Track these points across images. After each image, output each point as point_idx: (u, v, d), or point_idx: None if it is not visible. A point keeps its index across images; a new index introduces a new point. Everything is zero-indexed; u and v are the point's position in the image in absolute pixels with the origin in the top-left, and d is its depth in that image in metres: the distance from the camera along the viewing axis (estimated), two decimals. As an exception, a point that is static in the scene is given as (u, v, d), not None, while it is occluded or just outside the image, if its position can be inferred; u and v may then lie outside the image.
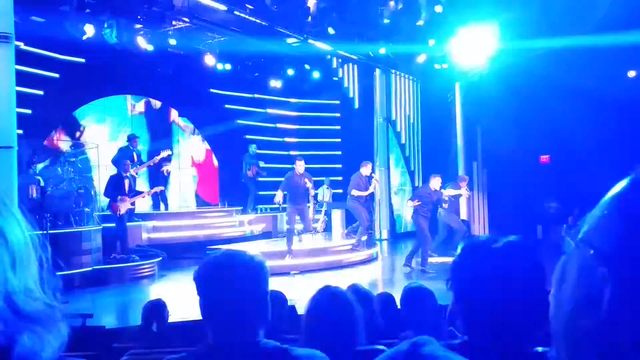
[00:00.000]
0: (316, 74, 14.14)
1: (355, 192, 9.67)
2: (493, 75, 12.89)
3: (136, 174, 10.28)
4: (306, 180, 9.42)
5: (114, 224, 9.09)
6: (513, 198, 13.60)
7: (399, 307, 3.02)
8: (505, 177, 13.91)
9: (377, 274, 9.14)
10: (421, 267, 8.74)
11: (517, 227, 11.86)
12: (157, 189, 10.48)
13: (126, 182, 9.20)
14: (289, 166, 15.53)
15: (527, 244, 1.21)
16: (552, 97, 12.57)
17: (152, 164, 10.87)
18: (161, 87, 12.55)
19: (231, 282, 1.38)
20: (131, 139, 10.74)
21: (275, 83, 14.10)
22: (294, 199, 9.30)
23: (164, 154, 11.07)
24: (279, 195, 9.40)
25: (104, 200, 9.71)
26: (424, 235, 8.79)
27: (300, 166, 9.47)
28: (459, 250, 1.27)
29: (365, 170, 9.74)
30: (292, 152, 15.63)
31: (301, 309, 4.39)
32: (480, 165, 13.95)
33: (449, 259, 9.42)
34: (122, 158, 9.88)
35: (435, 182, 8.96)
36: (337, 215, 12.72)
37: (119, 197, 9.03)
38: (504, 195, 13.70)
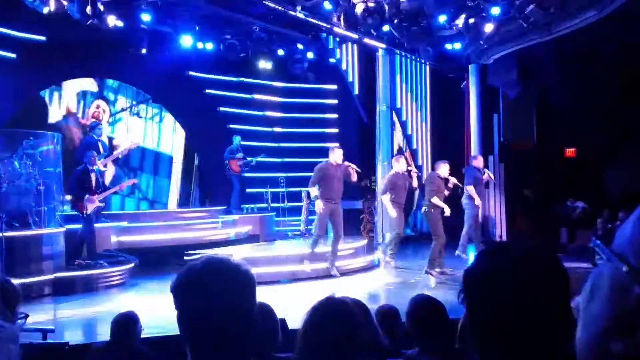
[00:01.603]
0: (310, 55, 14.12)
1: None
2: (512, 57, 12.92)
3: (104, 166, 10.25)
4: (351, 169, 8.72)
5: (79, 225, 9.06)
6: (534, 197, 13.65)
7: (403, 320, 3.03)
8: (525, 173, 13.96)
9: (379, 283, 9.16)
10: (426, 269, 8.80)
11: (539, 230, 11.93)
12: (131, 181, 10.44)
13: (93, 176, 9.17)
14: (278, 160, 15.63)
15: (551, 251, 1.22)
16: (582, 79, 12.63)
17: (120, 156, 10.84)
18: (132, 69, 12.50)
19: (214, 294, 1.38)
20: (95, 126, 10.67)
21: (264, 65, 14.07)
22: (328, 196, 8.64)
23: (133, 145, 11.05)
24: (314, 191, 8.77)
25: (67, 198, 9.68)
26: (437, 232, 8.89)
27: (337, 154, 8.78)
28: (473, 258, 1.27)
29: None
30: (281, 144, 15.62)
31: (293, 323, 4.39)
32: (497, 159, 13.98)
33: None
34: (86, 149, 9.85)
35: (444, 169, 9.03)
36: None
37: (86, 195, 9.00)
38: (523, 194, 13.76)
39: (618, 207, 11.57)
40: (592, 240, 0.58)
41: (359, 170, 9.12)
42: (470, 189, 10.06)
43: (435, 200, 8.86)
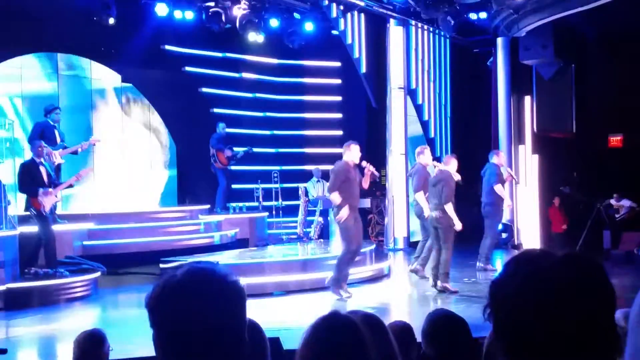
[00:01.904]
0: (309, 26, 14.10)
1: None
2: (548, 29, 12.91)
3: (61, 158, 10.24)
4: (369, 171, 8.52)
5: (35, 227, 9.07)
6: (573, 195, 13.66)
7: (418, 340, 3.04)
8: (562, 167, 13.97)
9: (389, 295, 9.18)
10: (442, 283, 8.75)
11: (577, 234, 11.95)
12: (85, 171, 10.38)
13: (42, 169, 9.17)
14: (271, 150, 15.65)
15: (593, 259, 1.22)
16: (628, 57, 12.61)
17: (80, 150, 10.83)
18: (98, 43, 12.48)
19: (197, 310, 1.38)
20: (50, 110, 10.62)
21: (255, 38, 14.04)
22: (352, 203, 8.38)
23: (95, 140, 11.06)
24: (336, 198, 8.31)
25: (20, 198, 9.69)
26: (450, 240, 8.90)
27: (354, 152, 8.43)
28: (501, 267, 1.27)
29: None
30: (275, 132, 15.63)
31: (289, 342, 4.40)
32: (529, 150, 13.99)
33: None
34: (38, 136, 9.85)
35: (453, 164, 9.05)
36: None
37: (41, 189, 9.00)
38: (560, 191, 13.77)
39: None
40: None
41: (377, 174, 9.00)
42: (499, 189, 10.12)
43: (450, 208, 8.74)
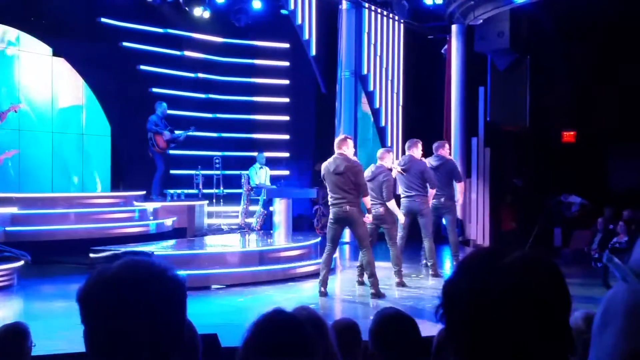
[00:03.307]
0: (257, 4, 14.00)
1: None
2: (505, 18, 13.11)
3: None
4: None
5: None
6: (524, 189, 13.98)
7: (364, 339, 3.06)
8: (515, 159, 14.27)
9: (334, 291, 9.25)
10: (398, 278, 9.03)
11: (528, 231, 12.24)
12: (12, 152, 10.15)
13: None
14: (213, 134, 15.51)
15: (549, 260, 1.25)
16: (586, 50, 12.93)
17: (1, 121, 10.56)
18: (27, 13, 12.14)
19: (133, 307, 1.36)
20: None
21: (199, 14, 13.87)
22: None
23: (15, 107, 10.80)
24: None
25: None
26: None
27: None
28: (452, 267, 1.29)
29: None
30: (218, 115, 15.51)
31: (228, 339, 4.39)
32: (482, 142, 14.25)
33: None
34: None
35: (389, 159, 9.34)
36: (282, 207, 12.72)
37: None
38: (512, 185, 14.08)
39: (623, 204, 11.99)
40: (606, 254, 0.59)
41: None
42: (461, 186, 10.41)
43: (393, 204, 9.13)
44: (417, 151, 9.80)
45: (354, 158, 8.70)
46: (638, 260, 0.56)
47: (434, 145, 10.52)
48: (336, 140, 8.64)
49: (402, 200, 9.65)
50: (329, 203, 8.47)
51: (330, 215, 8.42)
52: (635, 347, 0.53)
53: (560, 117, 14.41)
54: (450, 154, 10.96)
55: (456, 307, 1.24)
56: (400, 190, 9.74)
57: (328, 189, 8.49)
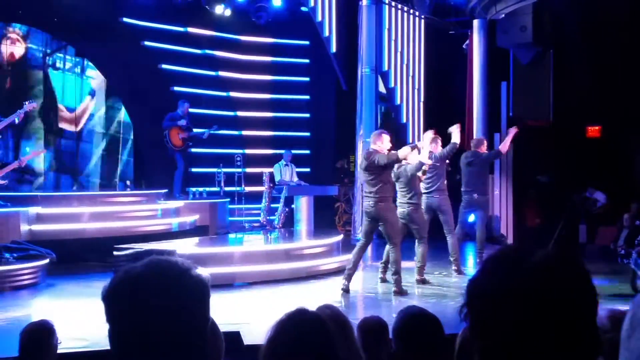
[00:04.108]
0: (277, 2, 14.02)
1: None
2: (527, 12, 13.01)
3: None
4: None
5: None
6: (549, 186, 13.85)
7: (389, 338, 3.06)
8: (538, 156, 14.15)
9: (357, 288, 9.23)
10: (418, 276, 8.98)
11: (553, 227, 12.13)
12: (38, 152, 10.23)
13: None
14: (235, 132, 15.55)
15: (573, 258, 1.24)
16: (611, 44, 12.77)
17: (17, 120, 10.65)
18: (50, 13, 12.26)
19: (159, 307, 1.37)
20: None
21: (221, 12, 13.91)
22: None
23: (31, 106, 10.90)
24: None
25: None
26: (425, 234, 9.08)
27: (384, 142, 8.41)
28: (477, 265, 1.29)
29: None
30: (239, 113, 15.55)
31: (252, 337, 4.41)
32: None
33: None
34: None
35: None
36: (304, 205, 12.76)
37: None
38: (537, 180, 13.96)
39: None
40: (633, 258, 0.59)
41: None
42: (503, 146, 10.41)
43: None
44: (437, 147, 9.73)
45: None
46: None
47: (472, 142, 10.50)
48: (371, 135, 8.60)
49: (422, 197, 9.61)
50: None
51: (364, 209, 8.46)
52: None
53: (584, 112, 14.24)
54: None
55: (480, 306, 1.23)
56: (422, 186, 9.70)
57: None
